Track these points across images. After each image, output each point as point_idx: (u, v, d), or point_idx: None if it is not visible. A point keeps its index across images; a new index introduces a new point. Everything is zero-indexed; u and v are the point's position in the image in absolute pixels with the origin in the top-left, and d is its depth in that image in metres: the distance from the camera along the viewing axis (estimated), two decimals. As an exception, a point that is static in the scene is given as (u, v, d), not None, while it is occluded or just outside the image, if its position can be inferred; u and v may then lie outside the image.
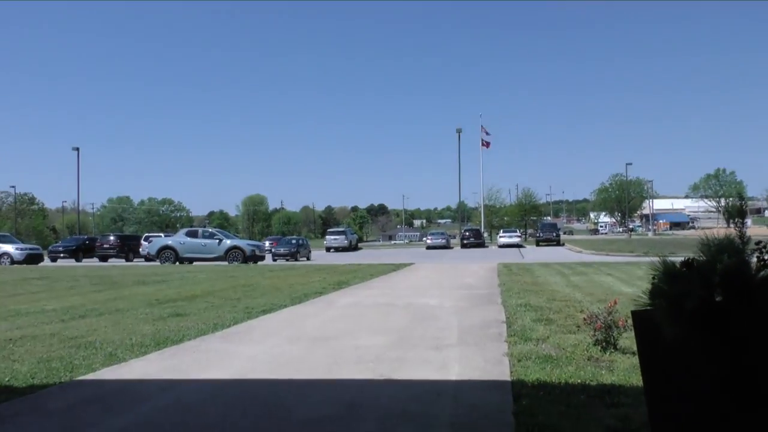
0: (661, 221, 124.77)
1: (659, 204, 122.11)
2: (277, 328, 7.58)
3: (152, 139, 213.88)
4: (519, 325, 7.24)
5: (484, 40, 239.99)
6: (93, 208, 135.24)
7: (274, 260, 35.35)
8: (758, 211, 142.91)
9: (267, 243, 49.96)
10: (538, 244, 49.02)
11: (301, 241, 39.60)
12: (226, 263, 26.55)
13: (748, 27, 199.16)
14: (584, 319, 6.00)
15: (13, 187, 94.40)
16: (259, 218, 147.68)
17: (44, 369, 5.19)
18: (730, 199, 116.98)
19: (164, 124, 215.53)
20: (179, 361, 5.58)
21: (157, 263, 27.53)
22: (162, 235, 39.68)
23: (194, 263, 27.21)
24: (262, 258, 28.54)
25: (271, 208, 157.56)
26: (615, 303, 5.88)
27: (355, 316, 8.66)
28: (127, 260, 37.99)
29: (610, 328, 5.60)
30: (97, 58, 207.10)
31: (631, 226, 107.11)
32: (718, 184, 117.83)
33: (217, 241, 27.59)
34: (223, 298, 10.69)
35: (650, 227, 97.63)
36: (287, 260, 35.34)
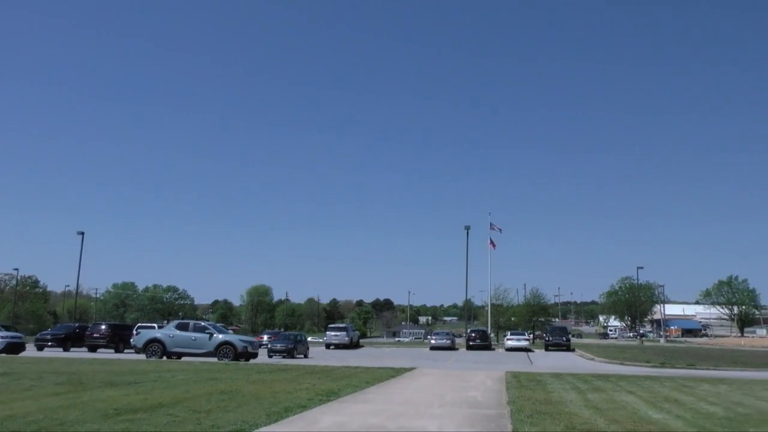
0: (672, 327, 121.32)
1: (670, 309, 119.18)
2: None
3: (159, 226, 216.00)
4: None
5: (495, 138, 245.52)
6: (96, 293, 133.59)
7: (270, 356, 33.67)
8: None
9: (266, 337, 48.24)
10: (547, 349, 46.93)
11: (299, 338, 37.95)
12: (215, 360, 24.98)
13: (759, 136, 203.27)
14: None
15: (16, 269, 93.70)
16: (262, 309, 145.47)
17: None
18: (743, 306, 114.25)
19: (172, 212, 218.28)
20: None
21: (143, 357, 25.98)
22: (155, 326, 38.14)
23: (182, 358, 25.64)
24: (255, 355, 26.92)
25: (275, 299, 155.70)
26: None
27: (338, 443, 7.27)
28: (117, 351, 36.37)
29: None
30: (106, 146, 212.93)
31: (641, 332, 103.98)
32: (730, 291, 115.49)
33: (208, 335, 26.10)
34: (192, 410, 9.32)
35: (662, 333, 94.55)
36: (283, 357, 33.67)
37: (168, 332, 26.81)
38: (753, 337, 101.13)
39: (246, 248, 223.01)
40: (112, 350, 36.87)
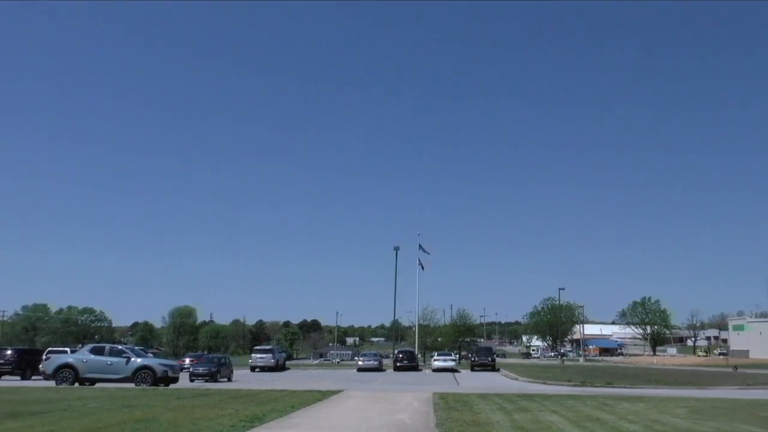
0: (591, 347, 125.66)
1: (589, 329, 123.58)
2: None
3: (75, 244, 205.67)
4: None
5: (421, 160, 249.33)
6: (3, 316, 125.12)
7: (192, 380, 32.43)
8: (681, 340, 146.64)
9: (188, 360, 46.46)
10: (473, 369, 47.47)
11: (223, 360, 36.74)
12: (133, 385, 23.75)
13: (666, 170, 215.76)
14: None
15: None
16: (185, 331, 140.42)
17: None
18: (655, 326, 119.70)
19: (89, 230, 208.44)
20: None
21: (53, 384, 24.39)
22: (68, 350, 35.96)
23: (97, 385, 24.25)
24: (176, 380, 25.78)
25: (200, 320, 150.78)
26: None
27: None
28: (24, 378, 34.07)
29: None
30: (12, 159, 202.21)
31: (562, 351, 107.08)
32: (644, 312, 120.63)
33: (126, 359, 24.79)
34: (103, 442, 8.72)
35: (581, 353, 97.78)
36: (206, 381, 32.50)
37: (81, 357, 25.30)
38: (664, 355, 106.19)
39: (169, 268, 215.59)
40: (19, 377, 34.49)
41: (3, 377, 34.42)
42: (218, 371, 33.75)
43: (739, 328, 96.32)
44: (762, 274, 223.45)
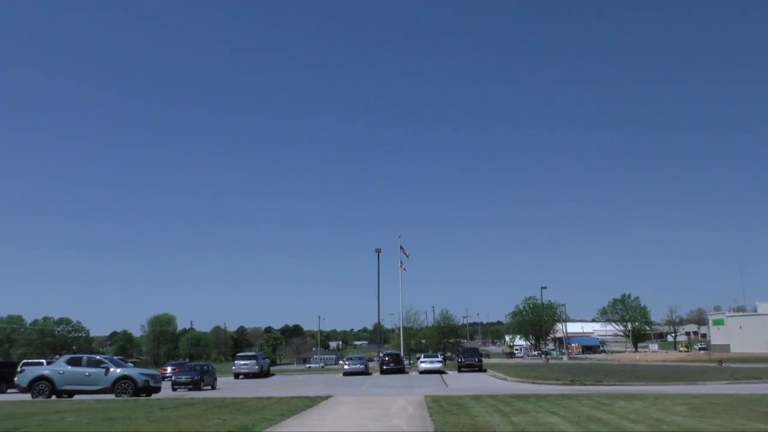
0: (573, 345, 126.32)
1: (571, 327, 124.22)
2: None
3: (50, 254, 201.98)
4: None
5: (402, 158, 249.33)
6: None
7: (174, 390, 31.64)
8: (660, 336, 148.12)
9: (169, 369, 45.48)
10: (460, 370, 47.10)
11: (206, 368, 35.91)
12: (113, 396, 22.93)
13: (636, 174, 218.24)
14: None
15: None
16: (165, 339, 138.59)
17: None
18: (636, 323, 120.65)
19: (63, 239, 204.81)
20: None
21: (28, 397, 23.46)
22: (44, 362, 34.82)
23: (75, 397, 23.37)
24: (158, 389, 24.96)
25: (180, 328, 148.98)
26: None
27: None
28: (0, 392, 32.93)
29: None
30: None
31: (546, 350, 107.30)
32: (624, 309, 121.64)
33: (105, 370, 23.92)
34: (82, 460, 8.08)
35: (564, 351, 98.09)
36: (189, 389, 31.72)
37: (58, 368, 24.37)
38: (647, 351, 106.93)
39: (146, 276, 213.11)
40: (-7, 390, 33.33)
41: (-24, 391, 33.24)
42: (201, 379, 32.97)
43: (719, 322, 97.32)
44: (737, 269, 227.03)
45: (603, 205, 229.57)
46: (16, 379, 27.67)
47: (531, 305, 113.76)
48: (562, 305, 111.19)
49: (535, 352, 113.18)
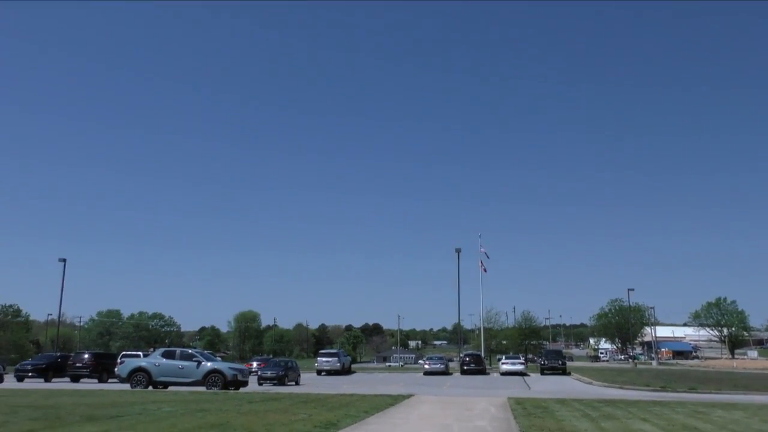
0: (663, 349, 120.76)
1: (660, 331, 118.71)
2: None
3: (144, 251, 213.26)
4: None
5: (485, 155, 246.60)
6: (80, 322, 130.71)
7: (260, 384, 32.58)
8: (760, 343, 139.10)
9: (255, 364, 46.99)
10: (542, 373, 46.08)
11: (290, 364, 36.79)
12: (204, 389, 23.95)
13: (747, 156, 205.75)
14: None
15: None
16: (250, 335, 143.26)
17: None
18: (732, 328, 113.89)
19: (158, 238, 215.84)
20: None
21: (127, 387, 24.89)
22: (140, 354, 36.88)
23: (169, 388, 24.58)
24: (245, 383, 25.88)
25: (263, 324, 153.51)
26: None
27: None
28: (101, 381, 35.14)
29: None
30: (91, 174, 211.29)
31: (633, 354, 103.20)
32: (719, 313, 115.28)
33: (196, 363, 25.04)
34: (180, 448, 8.48)
35: (653, 356, 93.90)
36: (274, 384, 32.57)
37: (154, 360, 25.73)
38: (745, 358, 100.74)
39: (233, 273, 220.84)
40: (96, 380, 35.58)
41: (81, 380, 35.60)
42: (286, 375, 33.80)
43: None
44: None
45: (696, 208, 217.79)
46: (116, 369, 29.50)
47: (617, 307, 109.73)
48: (651, 308, 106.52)
49: (622, 356, 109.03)
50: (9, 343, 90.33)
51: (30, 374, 36.32)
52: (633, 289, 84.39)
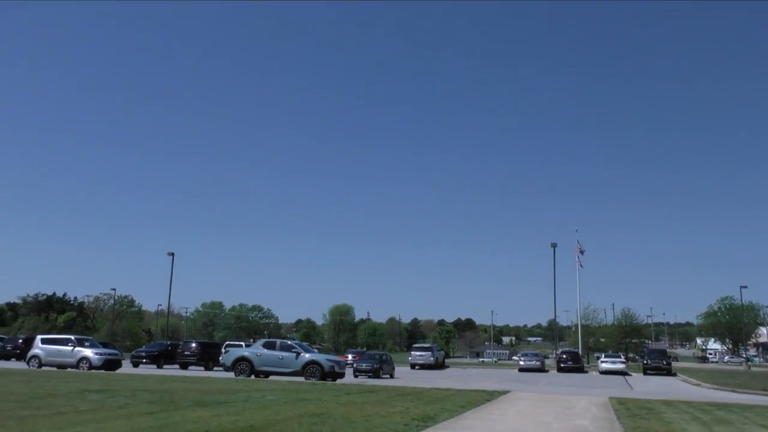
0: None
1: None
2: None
3: (247, 247, 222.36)
4: None
5: (580, 148, 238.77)
6: (187, 312, 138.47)
7: (356, 376, 33.23)
8: None
9: (350, 356, 47.97)
10: (645, 372, 44.11)
11: (384, 357, 37.30)
12: (302, 379, 24.73)
13: None
14: None
15: (113, 289, 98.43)
16: (344, 328, 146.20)
17: None
18: None
19: (259, 232, 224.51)
20: None
21: (231, 375, 26.11)
22: (243, 344, 38.60)
23: (270, 377, 25.56)
24: (342, 375, 26.48)
25: (357, 318, 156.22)
26: None
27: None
28: (207, 369, 37.06)
29: None
30: (197, 175, 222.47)
31: (746, 356, 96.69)
32: None
33: (295, 354, 25.89)
34: (284, 435, 8.81)
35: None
36: (369, 377, 33.12)
37: (255, 351, 26.83)
38: None
39: (327, 266, 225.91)
40: (202, 368, 37.59)
41: (189, 367, 37.72)
42: (380, 368, 34.28)
43: None
44: None
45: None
46: (221, 358, 31.04)
47: (727, 306, 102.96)
48: (766, 307, 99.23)
49: (734, 358, 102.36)
50: (125, 331, 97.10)
51: (144, 360, 38.92)
52: (746, 287, 79.03)
